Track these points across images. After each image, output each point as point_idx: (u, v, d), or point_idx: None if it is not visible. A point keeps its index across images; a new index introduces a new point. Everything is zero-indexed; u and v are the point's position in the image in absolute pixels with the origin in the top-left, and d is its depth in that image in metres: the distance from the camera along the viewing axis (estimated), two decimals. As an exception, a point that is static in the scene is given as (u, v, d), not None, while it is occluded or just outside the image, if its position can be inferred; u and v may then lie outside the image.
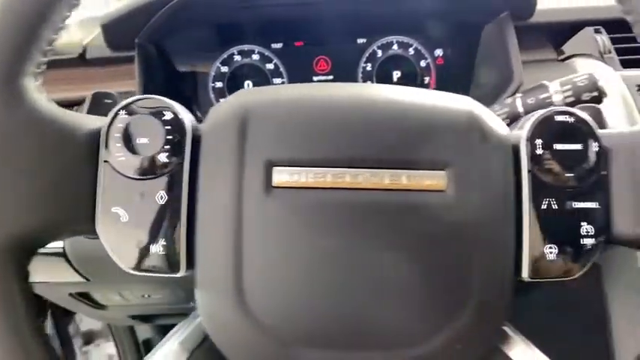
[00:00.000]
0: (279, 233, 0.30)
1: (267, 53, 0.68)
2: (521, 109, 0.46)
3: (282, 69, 0.68)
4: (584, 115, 0.32)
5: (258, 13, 0.64)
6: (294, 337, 0.30)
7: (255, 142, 0.30)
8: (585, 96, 0.42)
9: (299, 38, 0.68)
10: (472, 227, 0.30)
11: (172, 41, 0.64)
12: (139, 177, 0.30)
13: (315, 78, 0.69)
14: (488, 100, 0.61)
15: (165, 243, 0.29)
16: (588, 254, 0.31)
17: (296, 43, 0.68)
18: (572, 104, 0.44)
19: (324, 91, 0.34)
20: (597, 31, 0.62)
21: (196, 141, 0.31)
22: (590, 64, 0.61)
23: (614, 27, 0.63)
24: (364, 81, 0.69)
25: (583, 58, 0.63)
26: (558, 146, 0.31)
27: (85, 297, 0.69)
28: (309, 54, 0.69)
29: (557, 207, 0.31)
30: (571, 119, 0.32)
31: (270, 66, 0.68)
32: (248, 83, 0.68)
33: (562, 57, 0.65)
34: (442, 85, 0.69)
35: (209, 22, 0.64)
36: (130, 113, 0.31)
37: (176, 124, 0.31)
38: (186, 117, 0.32)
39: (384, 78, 0.69)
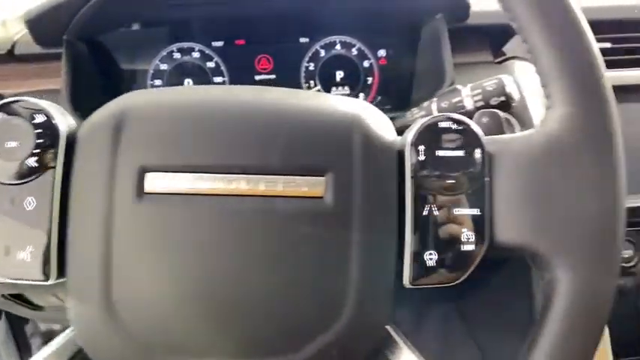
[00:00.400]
0: (150, 242, 0.29)
1: (207, 51, 0.67)
2: (435, 112, 0.46)
3: (223, 67, 0.67)
4: (469, 122, 0.32)
5: (198, 10, 0.63)
6: (165, 348, 0.29)
7: (128, 147, 0.30)
8: (493, 100, 0.43)
9: (240, 36, 0.68)
10: (351, 234, 0.30)
11: (108, 38, 0.63)
12: (7, 182, 0.29)
13: (257, 77, 0.68)
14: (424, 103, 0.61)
15: (32, 250, 0.29)
16: (468, 261, 0.31)
17: (237, 42, 0.68)
18: (481, 109, 0.44)
19: (206, 94, 0.33)
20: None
21: (71, 146, 0.31)
22: (524, 67, 0.61)
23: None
24: (307, 80, 0.69)
25: (519, 60, 0.63)
26: (441, 152, 0.31)
27: (19, 298, 0.68)
28: (251, 53, 0.68)
29: (438, 213, 0.31)
30: (455, 126, 0.32)
31: (210, 64, 0.67)
32: (188, 81, 0.67)
33: (498, 59, 0.65)
34: (385, 86, 0.69)
35: (144, 18, 0.63)
36: (9, 113, 0.31)
37: (48, 127, 0.30)
38: (62, 121, 0.31)
39: (327, 78, 0.69)
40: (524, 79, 0.58)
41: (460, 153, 0.31)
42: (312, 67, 0.69)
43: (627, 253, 0.55)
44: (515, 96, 0.43)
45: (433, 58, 0.62)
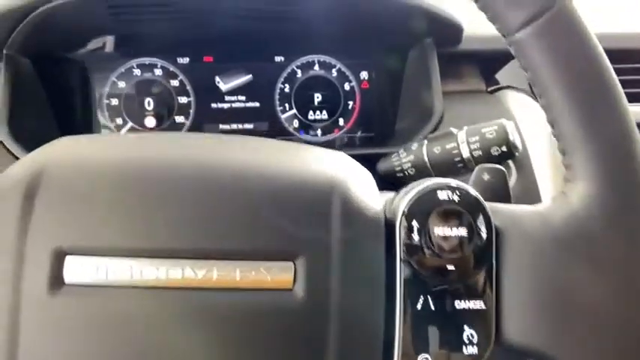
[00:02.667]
0: (68, 346, 0.23)
1: (171, 68, 0.60)
2: (426, 158, 0.40)
3: (188, 87, 0.61)
4: (473, 192, 0.26)
5: (154, 26, 0.56)
6: None
7: (43, 221, 0.23)
8: (494, 150, 0.37)
9: (208, 53, 0.61)
10: (327, 335, 0.24)
11: (55, 50, 0.56)
12: None
13: (225, 98, 0.61)
14: (410, 135, 0.56)
15: None
16: None
17: (205, 59, 0.61)
18: (479, 159, 0.38)
19: (149, 150, 0.27)
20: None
21: None
22: (519, 100, 0.56)
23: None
24: (281, 103, 0.62)
25: (513, 91, 0.58)
26: (439, 231, 0.26)
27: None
28: (220, 71, 0.61)
29: (435, 307, 0.25)
30: (456, 196, 0.26)
31: (174, 82, 0.61)
32: (149, 101, 0.60)
33: (491, 88, 0.60)
34: (367, 112, 0.64)
35: (95, 33, 0.56)
36: None
37: None
38: None
39: (304, 101, 0.63)
40: (520, 114, 0.53)
41: (462, 231, 0.26)
42: (287, 88, 0.63)
43: None
44: (519, 145, 0.38)
45: (420, 85, 0.56)
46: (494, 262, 0.26)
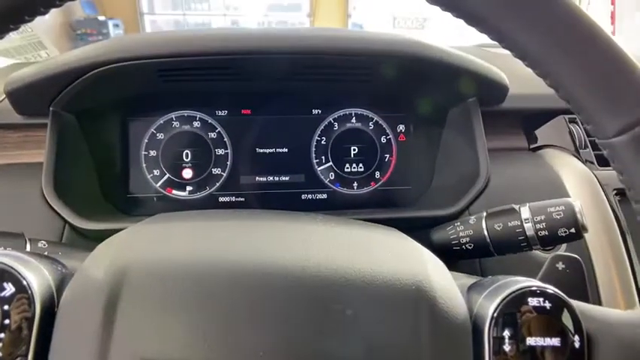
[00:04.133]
0: None
1: (210, 121, 0.61)
2: (486, 233, 0.39)
3: (226, 139, 0.61)
4: (566, 299, 0.25)
5: (197, 84, 0.56)
6: None
7: (125, 330, 0.23)
8: (562, 232, 0.36)
9: (246, 106, 0.61)
10: None
11: (98, 106, 0.56)
12: None
13: (260, 150, 0.61)
14: (451, 193, 0.55)
15: None
16: None
17: (243, 111, 0.61)
18: (545, 239, 0.37)
19: (225, 244, 0.26)
20: (572, 121, 0.56)
21: (48, 321, 0.23)
22: (563, 159, 0.55)
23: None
24: (318, 156, 0.62)
25: (556, 150, 0.57)
26: (531, 341, 0.24)
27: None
28: (257, 124, 0.61)
29: None
30: (548, 303, 0.25)
31: (212, 135, 0.61)
32: (187, 152, 0.60)
33: (533, 146, 0.59)
34: (404, 165, 0.63)
35: (139, 89, 0.56)
36: None
37: (20, 299, 0.23)
38: (38, 284, 0.24)
39: (341, 153, 0.63)
40: (567, 175, 0.52)
41: (556, 341, 0.24)
42: (324, 140, 0.62)
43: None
44: (588, 227, 0.37)
45: (462, 143, 0.56)
46: None
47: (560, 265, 0.30)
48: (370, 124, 0.63)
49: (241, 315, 0.23)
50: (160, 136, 0.60)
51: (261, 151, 0.61)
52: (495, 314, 0.25)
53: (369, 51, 0.47)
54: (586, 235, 0.49)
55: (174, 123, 0.60)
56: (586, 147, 0.54)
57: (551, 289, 0.25)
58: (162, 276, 0.24)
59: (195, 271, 0.25)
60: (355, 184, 0.63)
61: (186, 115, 0.60)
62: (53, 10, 0.26)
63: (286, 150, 0.62)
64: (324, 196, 0.63)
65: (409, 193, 0.63)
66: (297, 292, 0.24)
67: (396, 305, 0.24)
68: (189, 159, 0.60)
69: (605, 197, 0.50)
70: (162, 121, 0.60)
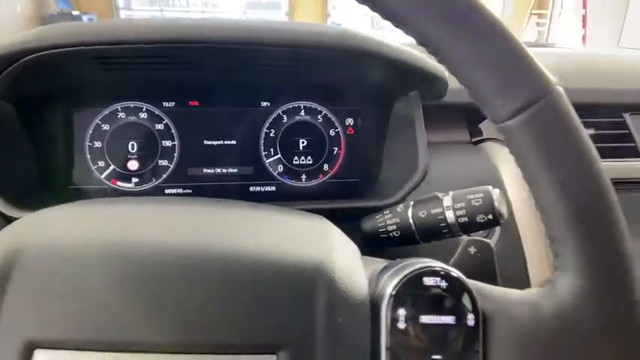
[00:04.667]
0: None
1: (157, 112, 0.60)
2: (411, 222, 0.40)
3: (173, 130, 0.61)
4: (460, 278, 0.26)
5: (141, 73, 0.56)
6: None
7: (12, 312, 0.22)
8: (480, 218, 0.37)
9: (194, 97, 0.61)
10: None
11: (40, 96, 0.55)
12: None
13: (208, 142, 0.61)
14: (396, 186, 0.56)
15: None
16: None
17: (190, 103, 0.61)
18: (465, 225, 0.38)
19: (128, 228, 0.26)
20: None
21: None
22: (502, 152, 0.56)
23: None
24: (266, 148, 0.62)
25: (497, 143, 0.58)
26: (426, 319, 0.25)
27: None
28: (205, 115, 0.61)
29: None
30: (444, 282, 0.26)
31: (159, 126, 0.60)
32: (132, 144, 0.60)
33: (475, 139, 0.60)
34: (352, 158, 0.64)
35: (81, 78, 0.55)
36: None
37: None
38: None
39: (289, 146, 0.63)
40: (505, 168, 0.53)
41: (450, 319, 0.25)
42: (272, 133, 0.63)
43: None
44: (505, 214, 0.38)
45: (405, 136, 0.57)
46: (480, 349, 0.25)
47: (472, 249, 0.31)
48: (319, 117, 0.64)
49: (132, 298, 0.23)
50: (105, 127, 0.59)
51: (209, 143, 0.61)
52: (393, 293, 0.25)
53: (306, 43, 0.47)
54: (519, 223, 0.50)
55: (120, 114, 0.60)
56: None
57: (448, 269, 0.26)
58: (55, 258, 0.24)
59: (87, 254, 0.24)
60: (304, 176, 0.63)
61: (132, 106, 0.60)
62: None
63: (235, 142, 0.62)
64: (273, 188, 0.63)
65: (357, 186, 0.64)
66: (190, 272, 0.24)
67: (292, 285, 0.25)
68: (135, 150, 0.60)
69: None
70: (107, 112, 0.59)
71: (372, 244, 0.43)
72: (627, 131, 0.57)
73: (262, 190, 0.63)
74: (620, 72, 0.65)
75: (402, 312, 0.25)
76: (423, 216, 0.39)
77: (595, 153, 0.24)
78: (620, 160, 0.54)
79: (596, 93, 0.59)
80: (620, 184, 0.53)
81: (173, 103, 0.60)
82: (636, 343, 0.24)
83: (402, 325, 0.25)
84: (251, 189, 0.62)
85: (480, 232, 0.44)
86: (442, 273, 0.26)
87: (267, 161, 0.62)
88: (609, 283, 0.24)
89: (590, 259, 0.24)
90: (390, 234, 0.41)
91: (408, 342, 0.25)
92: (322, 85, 0.62)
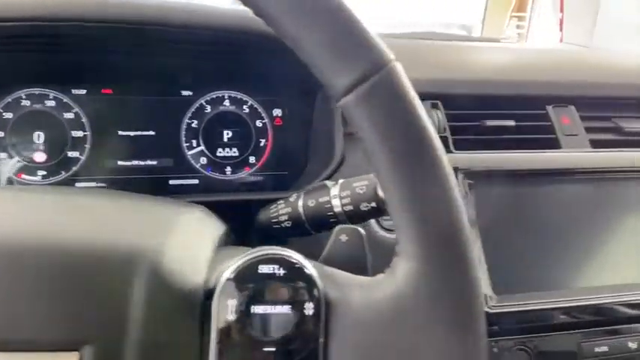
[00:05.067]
0: None
1: (65, 100, 0.56)
2: (301, 211, 0.38)
3: (84, 119, 0.57)
4: (301, 264, 0.24)
5: (45, 53, 0.52)
6: None
7: None
8: (364, 206, 0.35)
9: (107, 84, 0.57)
10: None
11: None
12: None
13: (123, 132, 0.57)
14: (315, 177, 0.54)
15: None
16: None
17: (103, 90, 0.57)
18: (350, 214, 0.36)
19: None
20: (434, 107, 0.57)
21: None
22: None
23: (455, 102, 0.58)
24: (188, 139, 0.59)
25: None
26: (258, 309, 0.23)
27: None
28: (120, 104, 0.58)
29: None
30: (282, 270, 0.24)
31: (69, 115, 0.56)
32: (39, 134, 0.56)
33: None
34: (279, 149, 0.61)
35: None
36: None
37: None
38: None
39: (213, 137, 0.60)
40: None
41: (285, 309, 0.23)
42: (195, 124, 0.59)
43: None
44: None
45: (327, 127, 0.55)
46: (321, 339, 0.24)
47: (344, 237, 0.30)
48: (245, 107, 0.61)
49: None
50: (8, 115, 0.55)
51: (125, 133, 0.58)
52: (224, 283, 0.24)
53: (206, 24, 0.44)
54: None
55: (24, 101, 0.55)
56: (445, 131, 0.55)
57: (287, 256, 0.24)
58: None
59: None
60: (228, 169, 0.61)
61: (37, 93, 0.55)
62: None
63: (153, 133, 0.59)
64: (195, 181, 0.60)
65: (285, 178, 0.61)
66: (14, 258, 0.22)
67: (104, 274, 0.22)
68: (41, 141, 0.56)
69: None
70: (10, 100, 0.55)
71: (269, 236, 0.41)
72: (550, 123, 0.57)
73: (184, 183, 0.60)
74: (549, 65, 0.65)
75: (231, 303, 0.24)
76: (312, 205, 0.38)
77: (431, 131, 0.23)
78: (541, 152, 0.54)
79: (521, 85, 0.59)
80: (541, 175, 0.53)
81: (84, 90, 0.57)
82: (469, 323, 0.23)
83: (231, 316, 0.23)
84: (171, 182, 0.59)
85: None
86: (280, 260, 0.24)
87: (189, 153, 0.59)
88: (442, 264, 0.23)
89: (423, 242, 0.23)
90: (282, 224, 0.39)
91: (239, 334, 0.23)
92: (247, 74, 0.60)
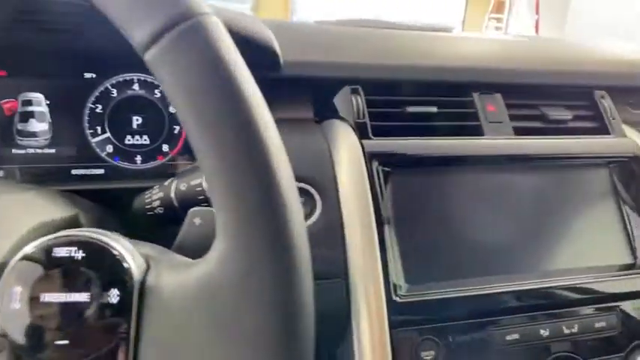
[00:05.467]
0: None
1: (-49, 82, 0.51)
2: (173, 195, 0.35)
3: (-27, 104, 0.52)
4: (107, 246, 0.21)
5: None
6: None
7: None
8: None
9: (1, 66, 0.53)
10: None
11: None
12: None
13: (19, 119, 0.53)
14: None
15: None
16: None
17: (-4, 72, 0.53)
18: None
19: None
20: (355, 92, 0.54)
21: None
22: (338, 130, 0.52)
23: (376, 88, 0.55)
24: (92, 126, 0.55)
25: (337, 120, 0.54)
26: (49, 297, 0.20)
27: None
28: (15, 88, 0.53)
29: None
30: (80, 253, 0.21)
31: (-45, 99, 0.51)
32: None
33: (318, 118, 0.56)
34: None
35: None
36: None
37: None
38: None
39: (120, 123, 0.56)
40: (338, 145, 0.49)
41: (82, 297, 0.20)
42: (99, 109, 0.55)
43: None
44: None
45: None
46: (132, 330, 0.21)
47: (198, 220, 0.27)
48: (156, 91, 0.57)
49: None
50: None
51: (20, 119, 0.53)
52: (8, 269, 0.21)
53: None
54: (341, 200, 0.47)
55: None
56: (364, 117, 0.52)
57: (90, 237, 0.21)
58: None
59: None
60: (138, 157, 0.57)
61: None
62: None
63: (52, 119, 0.54)
64: (101, 171, 0.56)
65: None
66: None
67: None
68: None
69: (365, 167, 0.48)
70: None
71: (142, 225, 0.38)
72: (474, 110, 0.54)
73: (88, 173, 0.55)
74: (479, 52, 0.63)
75: (17, 290, 0.21)
76: (183, 188, 0.35)
77: (247, 91, 0.20)
78: (465, 138, 0.52)
79: (446, 72, 0.57)
80: (460, 162, 0.51)
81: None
82: (281, 302, 0.20)
83: (16, 305, 0.21)
84: (73, 172, 0.55)
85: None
86: (82, 242, 0.21)
87: (93, 141, 0.55)
88: (252, 238, 0.20)
89: (233, 217, 0.20)
90: (155, 211, 0.36)
91: (25, 326, 0.20)
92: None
